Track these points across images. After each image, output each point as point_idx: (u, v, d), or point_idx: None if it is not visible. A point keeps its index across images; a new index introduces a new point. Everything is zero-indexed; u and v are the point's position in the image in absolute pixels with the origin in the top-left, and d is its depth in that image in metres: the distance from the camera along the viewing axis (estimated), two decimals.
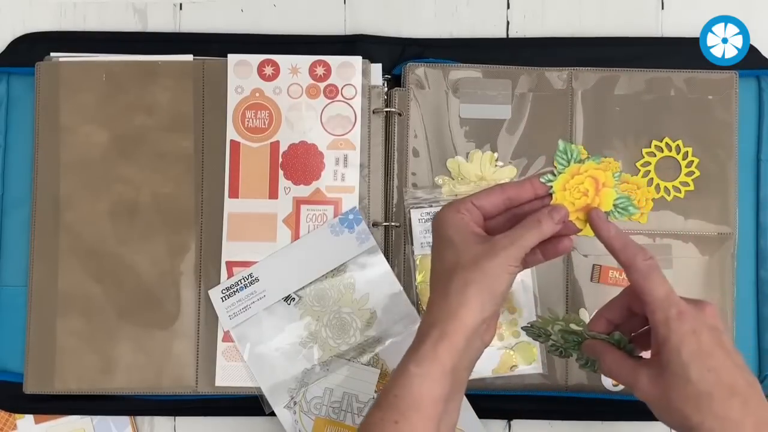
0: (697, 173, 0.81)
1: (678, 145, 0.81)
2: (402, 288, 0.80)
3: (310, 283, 0.80)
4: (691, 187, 0.81)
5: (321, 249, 0.80)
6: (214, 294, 0.80)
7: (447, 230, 0.61)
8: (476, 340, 0.60)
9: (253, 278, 0.80)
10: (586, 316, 0.81)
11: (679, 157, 0.81)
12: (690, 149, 0.81)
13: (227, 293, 0.80)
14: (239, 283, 0.80)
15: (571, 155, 0.63)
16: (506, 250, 0.59)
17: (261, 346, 0.79)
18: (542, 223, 0.60)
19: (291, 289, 0.80)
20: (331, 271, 0.80)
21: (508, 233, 0.60)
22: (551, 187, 0.63)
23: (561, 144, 0.64)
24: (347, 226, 0.80)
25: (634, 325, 0.64)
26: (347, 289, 0.80)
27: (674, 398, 0.57)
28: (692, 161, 0.81)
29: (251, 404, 0.80)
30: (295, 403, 0.79)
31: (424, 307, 0.80)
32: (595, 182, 0.63)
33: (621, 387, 0.80)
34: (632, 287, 0.61)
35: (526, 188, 0.63)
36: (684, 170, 0.81)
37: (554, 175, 0.63)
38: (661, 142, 0.81)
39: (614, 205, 0.63)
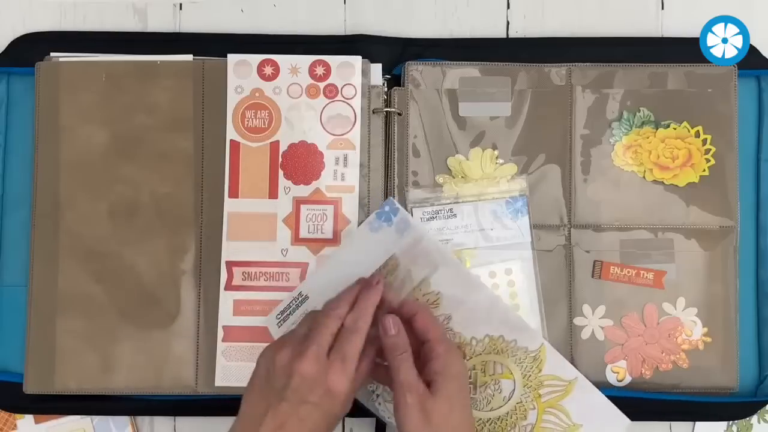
0: (713, 161, 0.82)
1: (698, 131, 0.82)
2: (455, 256, 0.79)
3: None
4: (707, 173, 0.82)
5: (363, 251, 0.79)
6: (270, 321, 0.79)
7: None
8: None
9: (303, 297, 0.79)
10: (589, 311, 0.81)
11: (698, 142, 0.82)
12: (709, 136, 0.82)
13: (282, 318, 0.79)
14: (290, 305, 0.79)
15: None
16: None
17: None
18: None
19: None
20: (380, 268, 0.78)
21: None
22: None
23: None
24: (385, 220, 0.79)
25: None
26: (404, 281, 0.78)
27: None
28: (710, 149, 0.82)
29: None
30: (377, 396, 0.78)
31: None
32: None
33: (625, 382, 0.81)
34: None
35: None
36: (701, 156, 0.82)
37: None
38: (680, 125, 0.82)
39: None
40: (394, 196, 0.82)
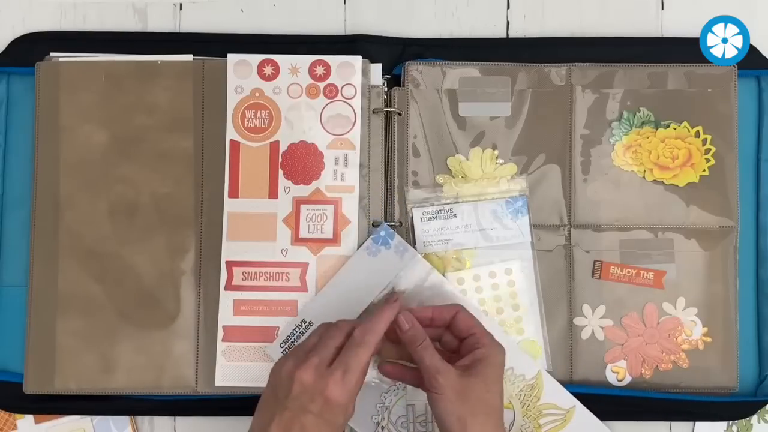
0: (713, 161, 0.82)
1: (698, 131, 0.82)
2: (453, 285, 0.79)
3: (365, 310, 0.78)
4: (707, 173, 0.82)
5: (364, 274, 0.79)
6: (273, 350, 0.79)
7: None
8: None
9: (306, 323, 0.79)
10: (588, 311, 0.81)
11: (698, 142, 0.82)
12: (710, 137, 0.82)
13: (286, 346, 0.79)
14: (294, 332, 0.79)
15: None
16: None
17: None
18: None
19: None
20: (382, 291, 0.79)
21: None
22: None
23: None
24: (383, 244, 0.79)
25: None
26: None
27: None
28: (710, 149, 0.82)
29: (251, 404, 0.80)
30: (383, 428, 0.78)
31: None
32: None
33: (625, 382, 0.81)
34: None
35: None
36: (701, 156, 0.82)
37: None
38: (680, 125, 0.82)
39: None
40: (394, 196, 0.82)
